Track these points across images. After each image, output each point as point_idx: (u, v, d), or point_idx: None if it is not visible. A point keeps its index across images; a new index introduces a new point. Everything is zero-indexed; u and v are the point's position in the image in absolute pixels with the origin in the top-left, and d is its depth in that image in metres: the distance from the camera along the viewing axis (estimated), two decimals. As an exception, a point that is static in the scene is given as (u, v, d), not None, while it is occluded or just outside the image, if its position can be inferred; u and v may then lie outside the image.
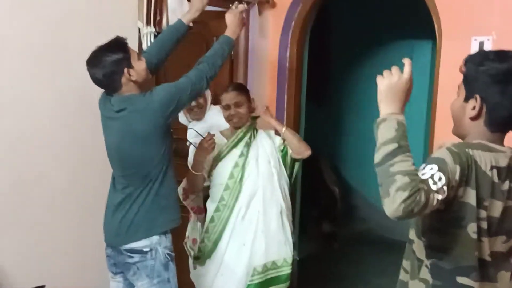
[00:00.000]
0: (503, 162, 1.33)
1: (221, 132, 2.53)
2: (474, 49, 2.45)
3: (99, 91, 2.13)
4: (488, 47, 2.40)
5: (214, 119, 2.74)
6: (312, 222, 4.58)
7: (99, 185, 2.31)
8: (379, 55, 4.97)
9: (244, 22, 2.37)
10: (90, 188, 2.64)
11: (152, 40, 2.72)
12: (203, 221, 2.59)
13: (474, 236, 1.31)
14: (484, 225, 1.32)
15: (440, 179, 1.22)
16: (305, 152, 2.50)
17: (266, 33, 3.49)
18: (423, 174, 1.23)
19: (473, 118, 1.37)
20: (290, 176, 2.56)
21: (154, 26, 2.72)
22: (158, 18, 2.73)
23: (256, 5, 3.36)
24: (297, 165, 2.57)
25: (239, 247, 2.41)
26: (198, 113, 2.79)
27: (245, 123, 2.49)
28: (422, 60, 4.70)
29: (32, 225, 2.52)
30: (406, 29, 4.65)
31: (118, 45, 2.00)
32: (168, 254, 2.09)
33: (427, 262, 1.39)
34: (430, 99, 3.88)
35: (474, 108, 1.35)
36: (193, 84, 2.04)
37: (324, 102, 5.29)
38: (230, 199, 2.42)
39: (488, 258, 1.35)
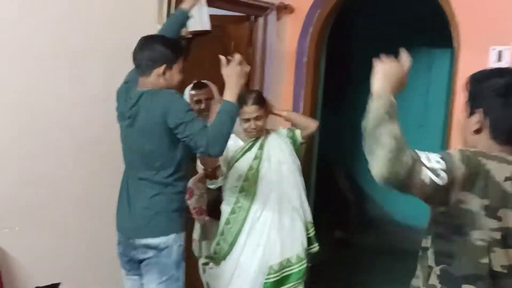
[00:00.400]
0: None
1: (236, 134, 2.54)
2: (493, 58, 2.43)
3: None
4: (506, 56, 2.38)
5: None
6: (324, 229, 4.57)
7: (115, 184, 2.33)
8: (398, 63, 4.94)
9: (246, 72, 2.04)
10: (106, 187, 2.67)
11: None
12: (203, 223, 2.63)
13: (479, 243, 1.31)
14: (497, 235, 1.31)
15: (438, 162, 1.26)
16: (311, 124, 2.61)
17: (283, 38, 3.50)
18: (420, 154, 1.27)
19: (476, 131, 1.40)
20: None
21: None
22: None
23: (275, 10, 3.38)
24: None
25: (255, 248, 2.43)
26: (208, 116, 2.81)
27: (263, 133, 2.52)
28: (441, 68, 4.67)
29: (49, 223, 2.56)
30: (425, 37, 4.63)
31: (175, 46, 2.10)
32: (181, 253, 2.11)
33: (436, 268, 1.40)
34: (447, 107, 3.85)
35: (477, 121, 1.39)
36: (197, 134, 1.91)
37: (341, 108, 5.28)
38: (246, 201, 2.44)
39: (501, 270, 1.33)
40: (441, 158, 1.28)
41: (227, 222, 2.47)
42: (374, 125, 1.29)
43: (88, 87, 2.60)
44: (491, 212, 1.30)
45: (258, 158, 2.47)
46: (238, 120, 2.52)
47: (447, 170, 1.26)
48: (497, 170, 1.31)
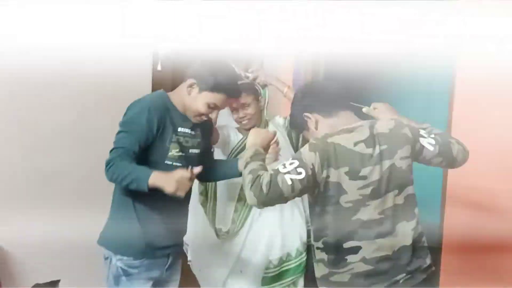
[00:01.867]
0: (364, 135, 1.59)
1: (238, 129, 2.50)
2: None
3: (121, 90, 2.15)
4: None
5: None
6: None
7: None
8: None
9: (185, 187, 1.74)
10: (107, 185, 2.67)
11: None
12: None
13: (348, 205, 1.57)
14: (367, 191, 1.56)
15: (291, 163, 1.53)
16: None
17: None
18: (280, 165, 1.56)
19: (316, 128, 1.71)
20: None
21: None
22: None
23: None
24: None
25: (257, 243, 2.42)
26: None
27: (258, 122, 2.42)
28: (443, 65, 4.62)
29: (48, 221, 2.55)
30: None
31: (224, 81, 1.84)
32: (121, 268, 1.85)
33: (317, 244, 1.67)
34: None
35: (312, 123, 1.71)
36: (116, 147, 1.79)
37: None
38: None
39: (378, 216, 1.58)
40: (293, 158, 1.55)
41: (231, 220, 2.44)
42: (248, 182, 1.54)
43: (96, 85, 2.60)
44: (354, 175, 1.55)
45: (258, 153, 2.44)
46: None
47: (302, 165, 1.52)
48: (345, 140, 1.57)
